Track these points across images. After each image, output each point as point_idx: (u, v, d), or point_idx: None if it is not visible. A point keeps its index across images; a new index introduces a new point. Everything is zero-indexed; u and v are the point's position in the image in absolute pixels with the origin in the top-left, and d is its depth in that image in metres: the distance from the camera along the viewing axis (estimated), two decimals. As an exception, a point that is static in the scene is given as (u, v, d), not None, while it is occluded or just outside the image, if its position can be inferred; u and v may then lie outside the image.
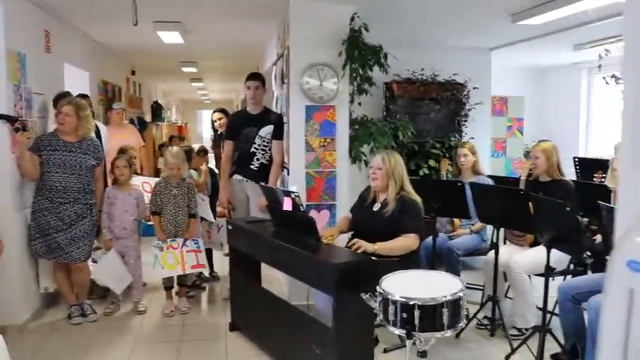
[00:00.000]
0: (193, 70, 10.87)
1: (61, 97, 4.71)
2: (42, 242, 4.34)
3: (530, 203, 3.71)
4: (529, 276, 4.16)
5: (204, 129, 24.01)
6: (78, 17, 5.75)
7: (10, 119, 4.10)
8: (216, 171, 5.90)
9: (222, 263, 5.59)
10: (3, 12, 4.10)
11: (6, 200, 4.18)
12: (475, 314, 4.33)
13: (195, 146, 6.01)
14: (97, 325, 4.47)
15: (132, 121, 8.27)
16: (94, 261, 4.92)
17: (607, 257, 3.23)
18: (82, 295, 4.60)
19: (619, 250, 0.97)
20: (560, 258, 3.85)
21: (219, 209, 5.22)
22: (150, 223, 4.92)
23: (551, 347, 3.65)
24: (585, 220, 4.06)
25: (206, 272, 5.53)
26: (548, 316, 3.70)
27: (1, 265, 4.01)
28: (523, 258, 4.11)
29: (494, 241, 4.26)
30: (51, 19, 5.25)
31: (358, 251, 3.39)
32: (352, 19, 4.64)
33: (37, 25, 4.93)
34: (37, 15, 4.93)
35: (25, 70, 4.45)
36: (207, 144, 7.33)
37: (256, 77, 4.92)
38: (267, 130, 4.84)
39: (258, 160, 4.86)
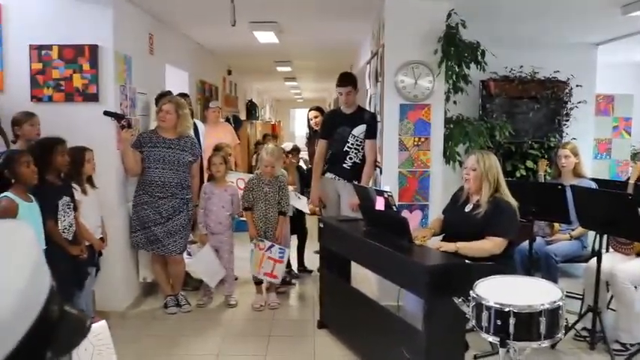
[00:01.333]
0: (287, 69, 11.03)
1: (163, 96, 4.93)
2: (141, 234, 4.56)
3: (639, 209, 3.47)
4: (635, 287, 3.89)
5: (296, 127, 24.37)
6: (179, 20, 5.99)
7: (117, 117, 4.34)
8: (304, 167, 5.98)
9: (312, 261, 5.63)
10: (113, 17, 4.34)
11: (112, 194, 4.43)
12: (574, 325, 4.10)
13: (288, 145, 6.10)
14: (190, 315, 4.65)
15: (227, 120, 8.50)
16: (189, 254, 5.12)
17: None
18: (177, 287, 4.79)
19: None
20: (672, 269, 3.58)
21: (309, 206, 5.28)
22: (242, 218, 5.04)
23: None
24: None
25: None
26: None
27: (105, 254, 4.26)
28: (630, 267, 3.86)
29: (597, 248, 4.02)
30: (155, 22, 5.50)
31: (440, 250, 3.33)
32: (449, 15, 4.53)
33: (142, 28, 5.18)
34: (143, 18, 5.18)
35: (130, 71, 4.69)
36: (301, 142, 7.42)
37: (347, 82, 4.91)
38: (360, 130, 4.84)
39: (351, 159, 4.88)
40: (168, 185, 4.52)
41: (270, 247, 4.73)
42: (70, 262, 3.61)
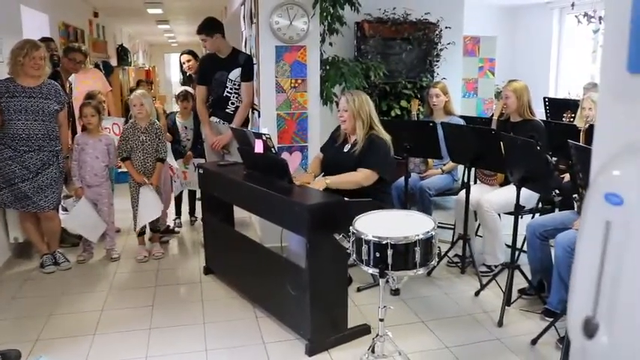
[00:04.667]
0: (159, 11, 10.52)
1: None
2: (8, 192, 4.24)
3: (501, 143, 3.73)
4: (499, 214, 4.23)
5: (172, 73, 23.49)
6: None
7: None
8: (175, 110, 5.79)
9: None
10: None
11: (-32, 149, 4.05)
12: (446, 252, 4.41)
13: (176, 91, 5.83)
14: (70, 273, 4.45)
15: (97, 66, 8.01)
16: (65, 209, 4.85)
17: (574, 196, 3.30)
18: (53, 244, 4.54)
19: (596, 183, 0.97)
20: (529, 196, 3.91)
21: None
22: (122, 169, 4.83)
23: (519, 282, 3.76)
24: (554, 159, 4.11)
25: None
26: (517, 253, 3.78)
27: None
28: (494, 197, 4.17)
29: (466, 180, 4.31)
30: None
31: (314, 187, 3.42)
32: (322, -46, 4.49)
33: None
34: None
35: (-22, 12, 4.23)
36: (176, 87, 7.16)
37: (199, 30, 4.79)
38: (236, 74, 4.76)
39: (233, 103, 4.83)
40: (34, 137, 4.21)
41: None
42: None
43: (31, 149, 4.21)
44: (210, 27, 4.78)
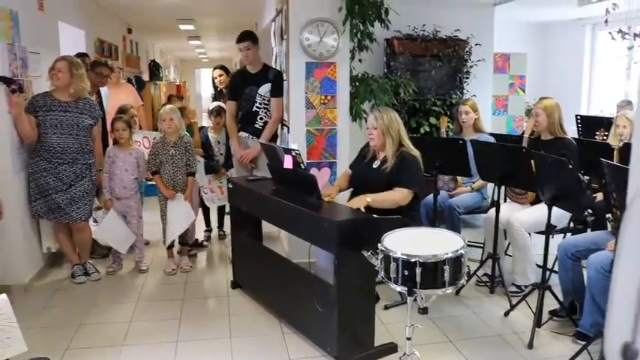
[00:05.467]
0: (190, 27, 10.69)
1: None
2: (42, 203, 4.34)
3: (532, 161, 3.68)
4: (529, 234, 4.17)
5: (202, 88, 23.80)
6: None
7: (6, 80, 4.03)
8: (205, 125, 5.85)
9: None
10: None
11: (5, 162, 4.14)
12: (475, 271, 4.36)
13: (210, 106, 5.90)
14: (100, 283, 4.51)
15: (129, 81, 8.17)
16: (95, 221, 4.93)
17: (607, 216, 3.24)
18: (84, 255, 4.62)
19: (636, 203, 0.95)
20: (560, 216, 3.84)
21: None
22: (151, 182, 4.90)
23: (550, 304, 3.68)
24: (586, 178, 4.05)
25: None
26: (548, 273, 3.71)
27: (2, 226, 4.02)
28: (524, 215, 4.11)
29: (495, 198, 4.26)
30: (43, -26, 5.13)
31: (353, 206, 3.40)
32: (353, -28, 4.52)
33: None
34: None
35: (17, 28, 4.34)
36: (207, 102, 7.24)
37: (244, 38, 4.83)
38: (266, 89, 4.81)
39: (261, 119, 4.87)
40: (69, 150, 4.30)
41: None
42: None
43: (65, 162, 4.30)
44: (254, 36, 4.86)
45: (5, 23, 4.15)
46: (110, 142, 5.05)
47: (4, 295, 2.23)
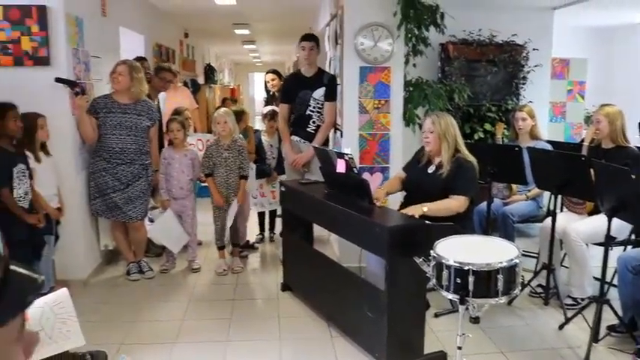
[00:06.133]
0: (245, 32, 10.85)
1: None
2: (101, 202, 4.48)
3: (591, 170, 3.57)
4: (587, 245, 4.04)
5: (256, 91, 24.12)
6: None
7: (70, 83, 4.19)
8: (260, 129, 5.92)
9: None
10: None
11: (68, 161, 4.30)
12: (529, 282, 4.25)
13: (264, 110, 5.97)
14: (153, 281, 4.62)
15: (185, 84, 8.35)
16: (151, 220, 5.06)
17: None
18: (139, 253, 4.75)
19: None
20: (620, 227, 3.70)
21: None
22: (204, 184, 5.00)
23: (608, 318, 3.54)
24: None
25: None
26: (607, 286, 3.58)
27: (65, 223, 4.17)
28: (582, 226, 3.99)
29: (552, 208, 4.14)
30: (106, -19, 5.31)
31: (408, 214, 3.37)
32: (408, -24, 4.50)
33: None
34: (94, -23, 4.97)
35: (82, 33, 4.52)
36: (259, 106, 7.34)
37: (311, 38, 4.89)
38: (320, 93, 4.83)
39: (314, 122, 4.88)
40: (127, 151, 4.43)
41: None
42: (26, 231, 3.53)
43: (124, 162, 4.43)
44: (317, 39, 4.93)
45: (72, 29, 4.31)
46: (166, 143, 5.17)
47: (65, 289, 2.30)
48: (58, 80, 4.12)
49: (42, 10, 4.09)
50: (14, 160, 3.49)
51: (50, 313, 2.23)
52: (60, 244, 4.17)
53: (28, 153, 3.71)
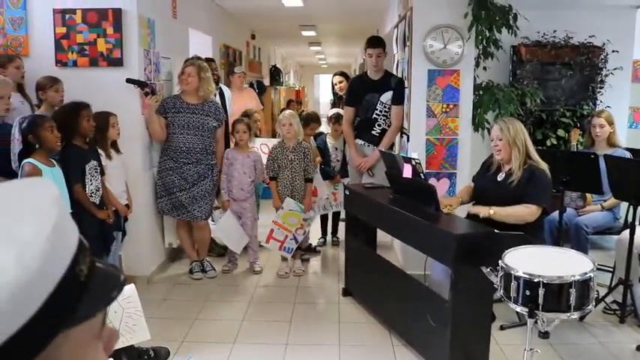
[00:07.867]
0: (312, 33, 10.89)
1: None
2: (167, 200, 4.57)
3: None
4: (669, 260, 3.79)
5: (321, 93, 24.20)
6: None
7: (140, 84, 4.30)
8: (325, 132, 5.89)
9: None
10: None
11: (137, 159, 4.42)
12: (603, 297, 4.02)
13: (329, 112, 5.94)
14: (215, 281, 4.67)
15: (251, 85, 8.44)
16: (213, 220, 5.12)
17: None
18: (202, 252, 4.81)
19: None
20: None
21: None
22: (268, 185, 5.01)
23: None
24: None
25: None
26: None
27: (132, 220, 4.28)
28: (664, 240, 3.75)
29: (630, 219, 3.91)
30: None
31: (471, 212, 3.25)
32: (480, -23, 4.36)
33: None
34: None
35: (154, 35, 4.63)
36: (325, 108, 7.32)
37: (378, 44, 4.81)
38: (388, 96, 4.77)
39: (379, 125, 4.82)
40: (193, 151, 4.50)
41: (293, 236, 4.76)
42: (97, 226, 3.63)
43: (190, 162, 4.50)
44: (384, 44, 4.86)
45: (144, 31, 4.43)
46: (232, 144, 5.23)
47: (132, 285, 2.34)
48: (129, 81, 4.24)
49: (117, 12, 4.22)
50: (87, 157, 3.59)
51: (118, 308, 2.28)
52: (126, 240, 4.27)
53: (99, 150, 3.82)
